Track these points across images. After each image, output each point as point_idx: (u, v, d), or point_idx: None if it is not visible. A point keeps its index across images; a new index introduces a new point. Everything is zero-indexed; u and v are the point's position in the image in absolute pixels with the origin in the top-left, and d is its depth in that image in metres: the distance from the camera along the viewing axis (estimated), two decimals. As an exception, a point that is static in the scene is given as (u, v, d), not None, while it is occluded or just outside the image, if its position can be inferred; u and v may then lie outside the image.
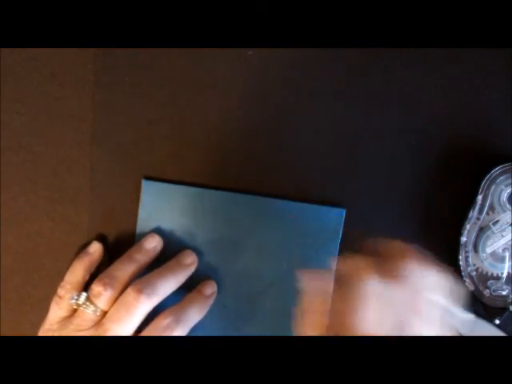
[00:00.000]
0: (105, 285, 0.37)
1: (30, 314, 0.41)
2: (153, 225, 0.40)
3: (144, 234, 0.39)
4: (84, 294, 0.37)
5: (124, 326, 0.36)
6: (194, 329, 0.37)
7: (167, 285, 0.37)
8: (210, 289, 0.39)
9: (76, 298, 0.37)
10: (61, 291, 0.38)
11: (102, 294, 0.37)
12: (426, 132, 0.39)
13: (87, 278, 0.39)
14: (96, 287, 0.37)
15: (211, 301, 0.39)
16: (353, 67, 0.39)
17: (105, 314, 0.37)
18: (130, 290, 0.36)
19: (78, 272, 0.39)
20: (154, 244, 0.39)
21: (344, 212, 0.38)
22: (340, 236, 0.38)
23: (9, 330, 0.41)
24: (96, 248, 0.40)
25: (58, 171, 0.39)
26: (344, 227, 0.38)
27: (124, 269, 0.38)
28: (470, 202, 0.38)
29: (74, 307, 0.37)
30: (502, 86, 0.39)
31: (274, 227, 0.39)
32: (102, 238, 0.40)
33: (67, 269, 0.39)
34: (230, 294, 0.39)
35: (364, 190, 0.39)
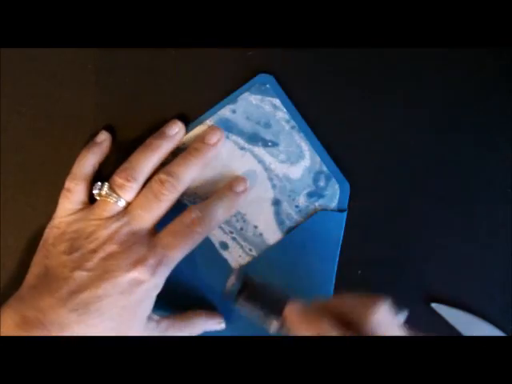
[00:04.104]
0: (127, 176, 0.35)
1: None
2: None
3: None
4: (107, 184, 0.36)
5: (152, 212, 0.35)
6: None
7: (192, 171, 0.36)
8: (242, 185, 0.38)
9: (100, 187, 0.35)
10: (69, 184, 0.37)
11: (126, 185, 0.35)
12: (426, 132, 0.39)
13: (96, 168, 0.38)
14: (119, 179, 0.35)
15: (241, 199, 0.37)
16: (353, 67, 0.39)
17: (128, 205, 0.36)
18: (156, 179, 0.35)
19: (86, 163, 0.37)
20: (176, 130, 0.38)
21: (344, 215, 0.38)
22: (340, 239, 0.38)
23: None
24: (104, 137, 0.38)
25: (58, 171, 0.39)
26: (344, 230, 0.38)
27: (146, 158, 0.36)
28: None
29: (97, 198, 0.36)
30: (502, 86, 0.39)
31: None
32: (109, 128, 0.39)
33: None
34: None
35: (364, 191, 0.39)
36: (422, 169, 0.39)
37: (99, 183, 0.36)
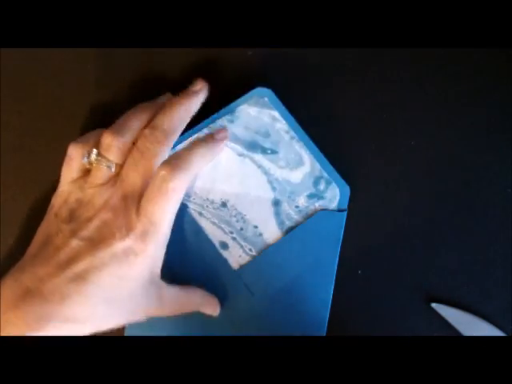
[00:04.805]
0: (113, 134, 0.34)
1: (30, 314, 0.41)
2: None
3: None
4: (95, 151, 0.35)
5: (141, 172, 0.34)
6: (193, 329, 0.37)
7: (175, 120, 0.36)
8: (223, 133, 0.37)
9: (87, 155, 0.35)
10: (71, 151, 0.36)
11: (112, 145, 0.34)
12: (425, 132, 0.39)
13: (98, 141, 0.36)
14: (104, 139, 0.34)
15: (221, 147, 0.37)
16: (353, 67, 0.39)
17: (121, 167, 0.35)
18: (140, 136, 0.34)
19: (92, 132, 0.36)
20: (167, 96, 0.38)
21: (345, 214, 0.38)
22: (341, 239, 0.38)
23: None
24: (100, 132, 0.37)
25: (58, 171, 0.39)
26: (345, 229, 0.38)
27: (133, 117, 0.35)
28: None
29: (87, 167, 0.35)
30: (502, 86, 0.39)
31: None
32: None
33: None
34: (229, 294, 0.39)
35: (364, 191, 0.39)
36: (423, 169, 0.39)
37: (86, 152, 0.35)
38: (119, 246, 0.33)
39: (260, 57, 0.39)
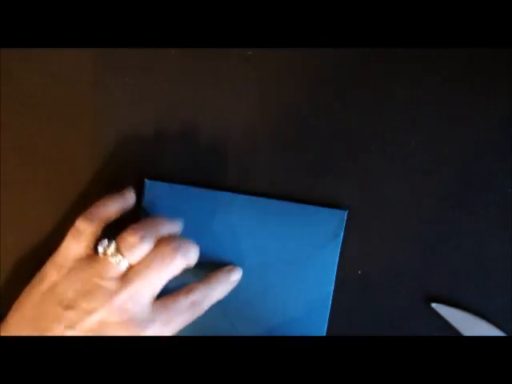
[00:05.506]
0: (142, 237, 0.33)
1: (30, 314, 0.41)
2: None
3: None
4: (114, 244, 0.34)
5: (155, 280, 0.34)
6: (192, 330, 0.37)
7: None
8: (237, 275, 0.38)
9: (106, 245, 0.34)
10: (82, 224, 0.34)
11: (136, 248, 0.33)
12: (425, 132, 0.39)
13: (112, 219, 0.36)
14: (130, 237, 0.33)
15: (232, 287, 0.37)
16: (353, 67, 0.39)
17: (131, 268, 0.34)
18: (164, 246, 0.34)
19: (107, 208, 0.35)
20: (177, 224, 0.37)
21: (345, 214, 0.38)
22: (341, 238, 0.38)
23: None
24: (131, 195, 0.37)
25: (58, 171, 0.39)
26: (345, 229, 0.38)
27: (163, 221, 0.35)
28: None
29: (101, 256, 0.34)
30: (502, 86, 0.39)
31: (274, 229, 0.39)
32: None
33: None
34: (229, 294, 0.39)
35: (365, 191, 0.39)
36: (422, 168, 0.39)
37: (106, 241, 0.34)
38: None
39: (260, 57, 0.39)
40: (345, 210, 0.39)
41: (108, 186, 0.40)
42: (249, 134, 0.40)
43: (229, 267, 0.38)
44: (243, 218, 0.39)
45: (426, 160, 0.39)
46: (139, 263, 0.34)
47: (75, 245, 0.35)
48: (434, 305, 0.38)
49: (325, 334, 0.38)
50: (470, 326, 0.37)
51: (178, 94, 0.40)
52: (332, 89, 0.39)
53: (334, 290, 0.38)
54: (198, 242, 0.38)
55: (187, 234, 0.39)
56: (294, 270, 0.38)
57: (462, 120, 0.39)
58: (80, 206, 0.40)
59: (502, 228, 0.38)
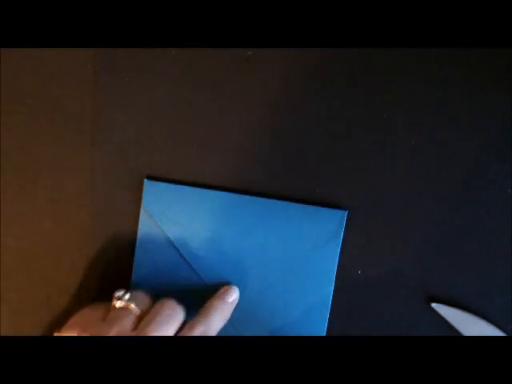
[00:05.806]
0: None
1: (30, 314, 0.41)
2: (154, 225, 0.40)
3: (145, 235, 0.39)
4: (136, 309, 0.36)
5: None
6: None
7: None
8: (234, 295, 0.38)
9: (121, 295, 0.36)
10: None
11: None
12: (425, 132, 0.39)
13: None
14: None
15: (233, 307, 0.38)
16: (353, 67, 0.39)
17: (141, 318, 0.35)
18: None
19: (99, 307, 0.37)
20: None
21: (345, 214, 0.38)
22: (341, 238, 0.38)
23: (9, 330, 0.41)
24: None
25: (58, 171, 0.39)
26: (345, 229, 0.38)
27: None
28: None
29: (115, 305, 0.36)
30: (502, 86, 0.39)
31: (274, 228, 0.39)
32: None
33: (67, 269, 0.38)
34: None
35: (365, 190, 0.39)
36: (422, 168, 0.39)
37: (121, 292, 0.36)
38: None
39: (260, 57, 0.39)
40: (345, 210, 0.39)
41: (108, 186, 0.40)
42: (249, 134, 0.40)
43: (223, 289, 0.38)
44: (243, 217, 0.39)
45: (425, 160, 0.39)
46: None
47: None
48: (434, 305, 0.38)
49: (325, 334, 0.38)
50: (470, 325, 0.37)
51: (178, 94, 0.40)
52: (332, 89, 0.39)
53: (334, 290, 0.38)
54: (198, 242, 0.38)
55: (187, 235, 0.39)
56: (294, 270, 0.38)
57: (462, 120, 0.39)
58: (80, 205, 0.40)
59: (502, 228, 0.38)
